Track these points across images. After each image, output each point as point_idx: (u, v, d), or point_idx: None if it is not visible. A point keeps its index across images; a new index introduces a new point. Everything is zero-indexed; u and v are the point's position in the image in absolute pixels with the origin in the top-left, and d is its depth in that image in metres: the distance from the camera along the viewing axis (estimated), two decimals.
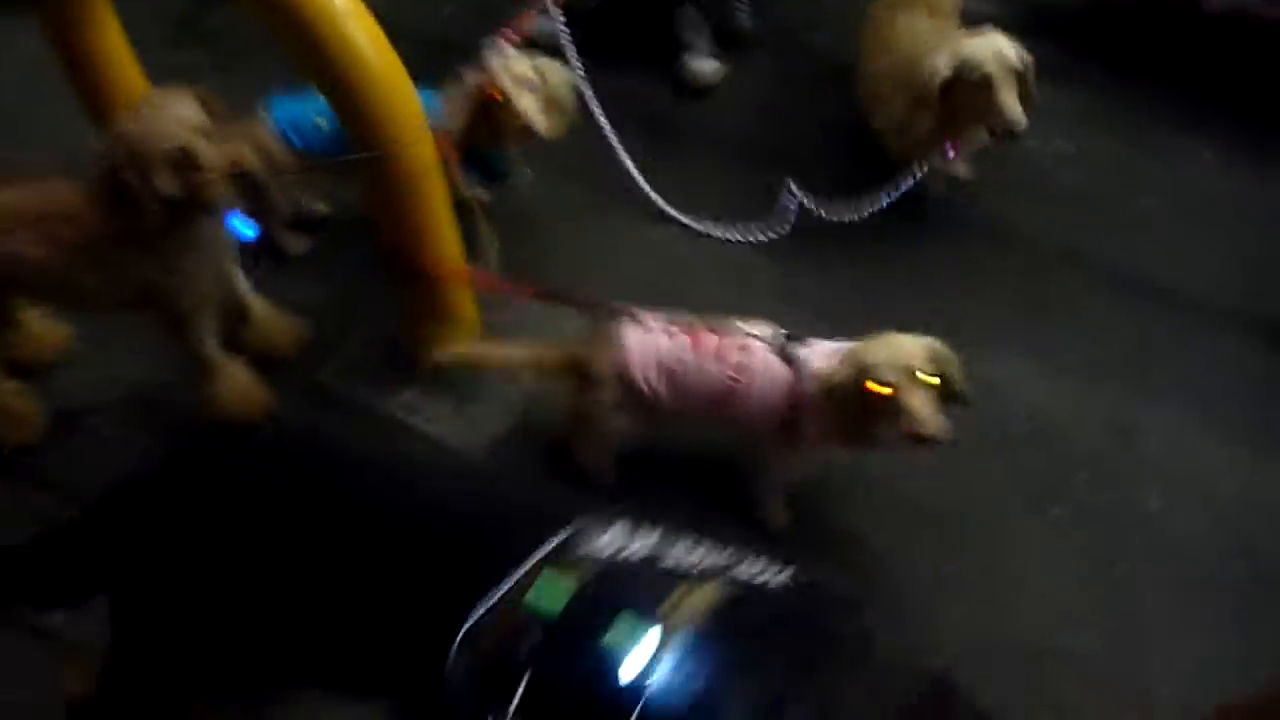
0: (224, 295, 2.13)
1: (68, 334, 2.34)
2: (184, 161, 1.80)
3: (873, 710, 1.06)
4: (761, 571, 1.17)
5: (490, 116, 2.24)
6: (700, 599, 1.10)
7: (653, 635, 1.07)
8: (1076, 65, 2.90)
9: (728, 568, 1.16)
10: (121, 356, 2.32)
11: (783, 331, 1.94)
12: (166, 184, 1.80)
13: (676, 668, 1.05)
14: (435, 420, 2.25)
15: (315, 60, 1.81)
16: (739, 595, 1.13)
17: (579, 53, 2.44)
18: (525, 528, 1.22)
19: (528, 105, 2.21)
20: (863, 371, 1.74)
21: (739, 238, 2.60)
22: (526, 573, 1.15)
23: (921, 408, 1.70)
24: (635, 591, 1.13)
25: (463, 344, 2.20)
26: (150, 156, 1.79)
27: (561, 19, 2.44)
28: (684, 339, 1.92)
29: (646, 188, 2.62)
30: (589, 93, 2.45)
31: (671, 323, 1.96)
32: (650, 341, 1.93)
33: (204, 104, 1.85)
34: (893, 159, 2.55)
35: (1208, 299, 2.49)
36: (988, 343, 2.31)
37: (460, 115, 2.23)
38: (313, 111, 2.23)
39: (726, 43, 3.06)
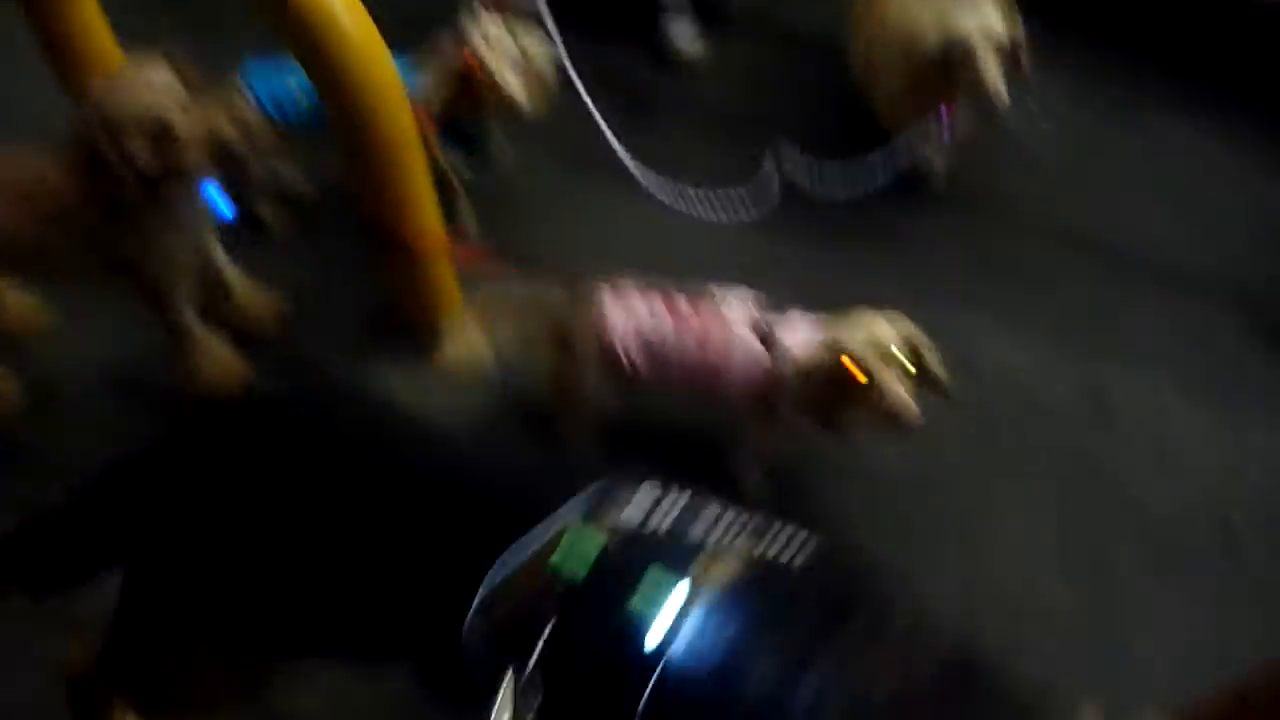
0: (201, 266, 2.11)
1: (43, 309, 2.31)
2: (160, 132, 1.78)
3: (895, 677, 1.06)
4: (786, 539, 1.17)
5: (470, 89, 2.21)
6: (727, 564, 1.11)
7: (681, 590, 1.07)
8: (1063, 42, 2.90)
9: (755, 533, 1.16)
10: (97, 332, 2.30)
11: (762, 296, 1.94)
12: (142, 155, 1.78)
13: (700, 632, 1.05)
14: (420, 391, 2.24)
15: (290, 27, 1.79)
16: (764, 562, 1.13)
17: (557, 23, 2.41)
18: (528, 491, 1.22)
19: (508, 78, 2.19)
20: (838, 356, 1.76)
21: (724, 218, 2.58)
22: (550, 538, 1.14)
23: (896, 393, 1.73)
24: (663, 553, 1.12)
25: (459, 338, 2.18)
26: (125, 127, 1.77)
27: None
28: (664, 312, 1.93)
29: (630, 164, 2.59)
30: (569, 65, 2.43)
31: (650, 290, 1.96)
32: (630, 314, 1.94)
33: (179, 73, 1.82)
34: (885, 128, 2.54)
35: (1183, 271, 2.52)
36: (959, 311, 2.34)
37: (439, 87, 2.21)
38: (291, 82, 2.20)
39: (709, 15, 3.03)
